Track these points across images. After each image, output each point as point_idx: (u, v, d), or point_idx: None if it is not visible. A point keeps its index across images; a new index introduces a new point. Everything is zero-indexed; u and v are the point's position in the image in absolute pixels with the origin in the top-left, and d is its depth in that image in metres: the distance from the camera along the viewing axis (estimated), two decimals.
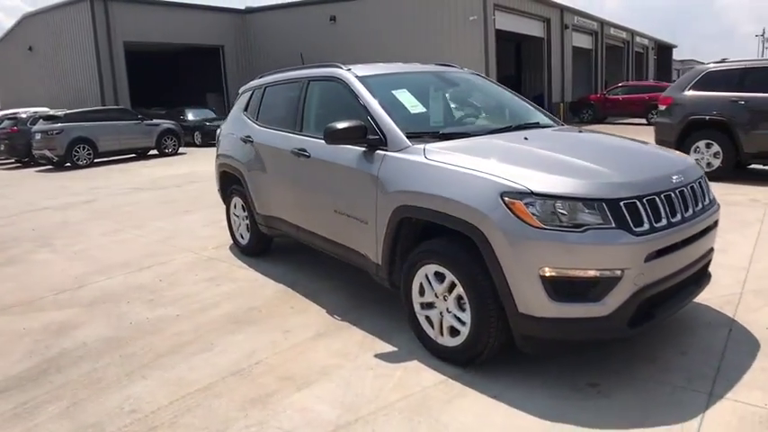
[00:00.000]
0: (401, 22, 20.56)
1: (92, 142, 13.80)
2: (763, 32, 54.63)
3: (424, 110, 3.45)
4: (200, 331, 3.41)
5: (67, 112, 14.40)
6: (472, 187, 2.55)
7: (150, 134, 15.19)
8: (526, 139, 3.03)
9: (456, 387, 2.62)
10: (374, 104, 3.25)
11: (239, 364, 2.97)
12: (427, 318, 2.91)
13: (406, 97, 3.37)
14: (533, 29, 23.13)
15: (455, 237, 2.70)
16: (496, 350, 2.66)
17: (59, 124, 13.49)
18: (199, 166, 12.72)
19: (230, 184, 5.02)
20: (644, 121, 20.32)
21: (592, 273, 2.36)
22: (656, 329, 3.01)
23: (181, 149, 16.25)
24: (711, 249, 3.00)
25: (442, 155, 2.83)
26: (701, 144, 7.62)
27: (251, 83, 4.97)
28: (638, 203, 2.43)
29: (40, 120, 14.04)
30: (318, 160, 3.56)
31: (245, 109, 4.79)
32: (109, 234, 6.08)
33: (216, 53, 25.34)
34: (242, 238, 4.95)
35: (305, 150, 3.67)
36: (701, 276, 2.97)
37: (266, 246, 4.85)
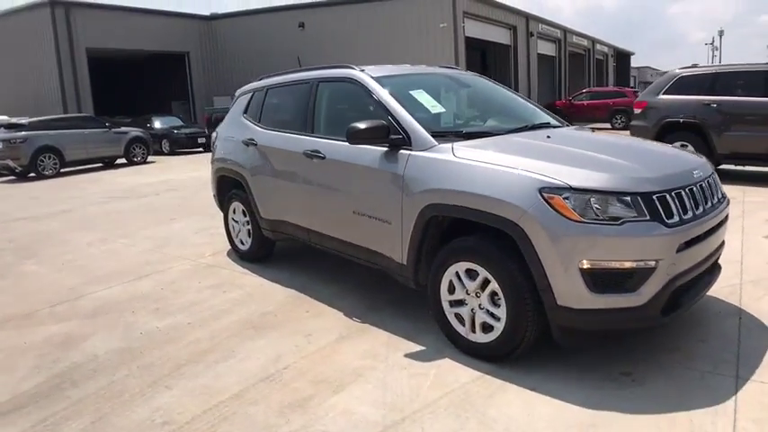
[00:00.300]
0: (371, 28, 20.68)
1: (58, 151, 13.26)
2: (713, 41, 57.57)
3: (444, 110, 3.48)
4: (217, 338, 3.32)
5: (31, 119, 13.81)
6: (509, 184, 2.58)
7: (118, 142, 14.73)
8: (549, 137, 3.10)
9: (494, 382, 2.64)
10: (394, 104, 3.26)
11: (267, 369, 2.91)
12: (457, 315, 2.92)
13: (424, 97, 3.39)
14: (500, 36, 23.65)
15: (487, 233, 2.73)
16: (531, 344, 2.69)
17: (23, 132, 12.92)
18: (171, 174, 12.42)
19: (229, 188, 4.92)
20: (608, 125, 21.05)
21: (629, 264, 2.42)
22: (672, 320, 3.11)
23: (149, 158, 15.82)
24: (723, 242, 3.13)
25: (471, 153, 2.85)
26: (676, 145, 7.91)
27: (249, 85, 4.90)
28: (667, 197, 2.52)
29: (1, 128, 13.41)
30: (335, 161, 3.53)
31: (245, 111, 4.71)
32: (96, 244, 5.85)
33: (181, 60, 24.87)
34: (242, 243, 4.85)
35: (319, 152, 3.64)
36: (713, 268, 3.08)
37: (268, 251, 4.77)
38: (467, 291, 2.84)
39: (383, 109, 3.30)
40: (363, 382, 2.71)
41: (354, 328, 3.36)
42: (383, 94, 3.35)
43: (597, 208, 2.42)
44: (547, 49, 28.46)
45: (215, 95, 24.17)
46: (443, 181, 2.83)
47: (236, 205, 4.80)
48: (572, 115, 23.21)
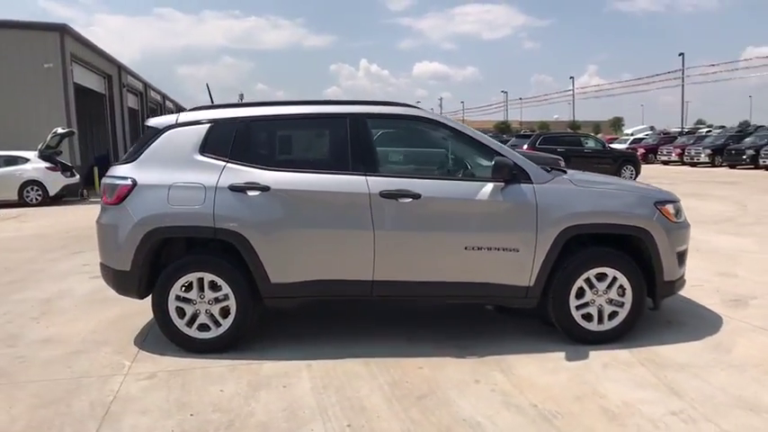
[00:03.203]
0: None
1: None
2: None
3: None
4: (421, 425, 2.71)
5: None
6: (635, 200, 3.57)
7: None
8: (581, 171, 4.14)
9: (641, 351, 3.44)
10: (497, 145, 3.58)
11: (543, 414, 2.74)
12: (584, 315, 3.56)
13: (492, 138, 3.80)
14: (98, 84, 21.33)
15: (610, 241, 3.57)
16: None
17: None
18: None
19: (171, 257, 3.55)
20: None
21: (685, 246, 3.80)
22: None
23: None
24: None
25: (584, 180, 3.63)
26: None
27: (189, 115, 3.74)
28: None
29: None
30: (437, 199, 3.45)
31: (203, 149, 3.56)
32: None
33: None
34: (204, 329, 3.54)
35: (408, 191, 3.41)
36: None
37: (245, 331, 3.68)
38: (596, 291, 3.54)
39: (483, 149, 3.58)
40: (607, 381, 3.02)
41: (495, 362, 3.33)
42: (478, 135, 3.61)
43: (674, 213, 3.70)
44: (132, 101, 27.22)
45: None
46: (584, 204, 3.48)
47: (195, 278, 3.50)
48: None
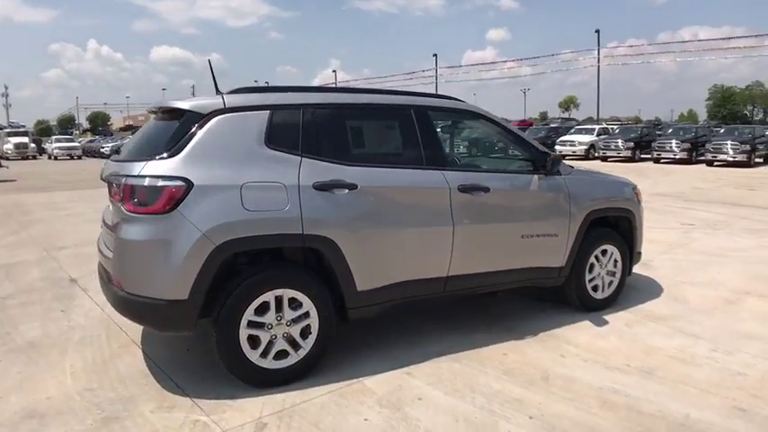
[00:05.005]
0: None
1: None
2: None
3: None
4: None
5: None
6: (625, 188, 4.36)
7: None
8: None
9: (635, 311, 4.29)
10: (534, 141, 3.92)
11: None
12: (594, 287, 4.24)
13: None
14: None
15: (606, 223, 4.30)
16: None
17: None
18: None
19: (238, 273, 3.00)
20: None
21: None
22: None
23: None
24: None
25: (588, 171, 4.28)
26: None
27: (242, 98, 3.15)
28: None
29: None
30: (501, 192, 3.66)
31: (269, 141, 3.03)
32: None
33: None
34: (283, 356, 3.06)
35: (479, 185, 3.52)
36: None
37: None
38: (601, 265, 4.24)
39: (524, 145, 3.90)
40: (645, 336, 3.70)
41: (551, 338, 3.73)
42: (518, 131, 3.89)
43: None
44: None
45: None
46: (600, 192, 4.15)
47: (272, 297, 2.99)
48: None
